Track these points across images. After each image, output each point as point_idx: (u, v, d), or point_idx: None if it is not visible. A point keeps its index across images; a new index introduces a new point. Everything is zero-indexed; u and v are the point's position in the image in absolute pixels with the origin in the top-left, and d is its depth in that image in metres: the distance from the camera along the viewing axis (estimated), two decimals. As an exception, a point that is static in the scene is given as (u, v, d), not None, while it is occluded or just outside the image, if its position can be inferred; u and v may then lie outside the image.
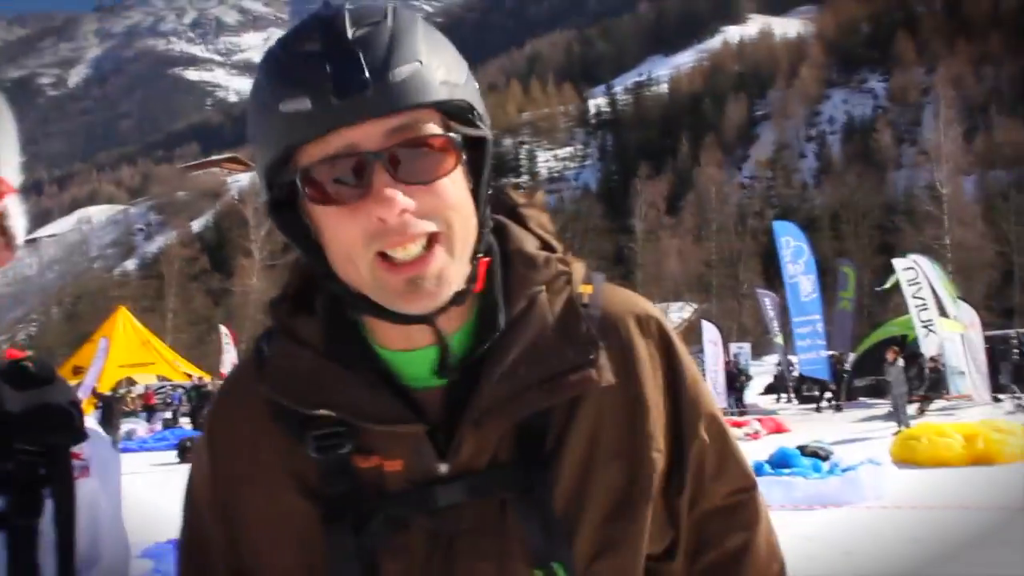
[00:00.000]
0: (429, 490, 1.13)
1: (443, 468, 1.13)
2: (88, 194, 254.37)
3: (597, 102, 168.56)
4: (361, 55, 1.02)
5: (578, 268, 1.24)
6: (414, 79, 1.03)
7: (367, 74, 1.01)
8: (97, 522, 1.30)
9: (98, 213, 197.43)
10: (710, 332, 28.70)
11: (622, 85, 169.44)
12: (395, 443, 1.13)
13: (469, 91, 1.11)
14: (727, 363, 29.44)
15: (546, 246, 1.23)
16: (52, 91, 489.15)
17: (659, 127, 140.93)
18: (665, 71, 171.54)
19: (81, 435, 1.27)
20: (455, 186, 1.08)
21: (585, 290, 1.23)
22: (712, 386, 26.46)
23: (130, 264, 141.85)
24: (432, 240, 1.06)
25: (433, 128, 1.06)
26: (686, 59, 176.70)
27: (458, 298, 1.11)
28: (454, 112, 1.09)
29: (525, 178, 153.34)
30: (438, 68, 1.06)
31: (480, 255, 1.15)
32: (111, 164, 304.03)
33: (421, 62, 1.04)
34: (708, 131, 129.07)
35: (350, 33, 1.04)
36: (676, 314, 69.86)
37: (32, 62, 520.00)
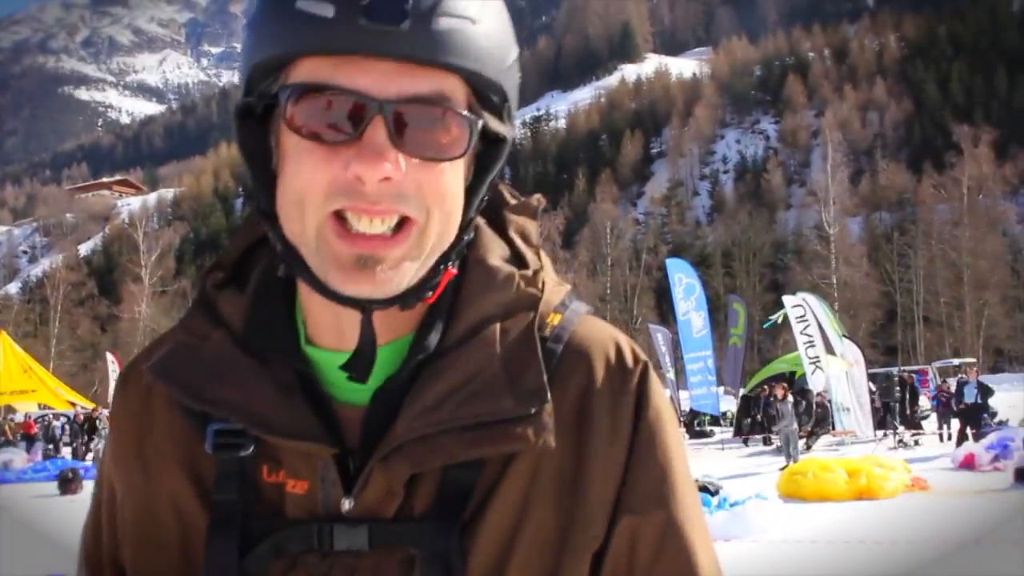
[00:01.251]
0: (327, 528, 0.97)
1: (347, 504, 0.97)
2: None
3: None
4: None
5: (553, 292, 1.05)
6: (458, 36, 0.89)
7: (409, 6, 0.87)
8: None
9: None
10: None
11: (520, 119, 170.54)
12: (302, 461, 0.98)
13: (510, 77, 0.97)
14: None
15: (519, 259, 1.06)
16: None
17: (556, 161, 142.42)
18: (563, 106, 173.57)
19: None
20: (453, 175, 0.94)
21: (553, 319, 1.03)
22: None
23: (12, 287, 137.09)
24: (403, 225, 0.91)
25: (457, 102, 0.92)
26: (584, 95, 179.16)
27: (405, 299, 0.95)
28: (484, 94, 0.95)
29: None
30: (487, 36, 0.92)
31: (450, 263, 0.99)
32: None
33: (472, 21, 0.91)
34: (604, 167, 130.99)
35: None
36: (571, 347, 70.51)
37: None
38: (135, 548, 1.05)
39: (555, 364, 1.00)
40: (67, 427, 38.93)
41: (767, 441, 26.16)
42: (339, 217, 0.90)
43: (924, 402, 30.02)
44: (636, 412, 1.01)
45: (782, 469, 17.23)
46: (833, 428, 24.48)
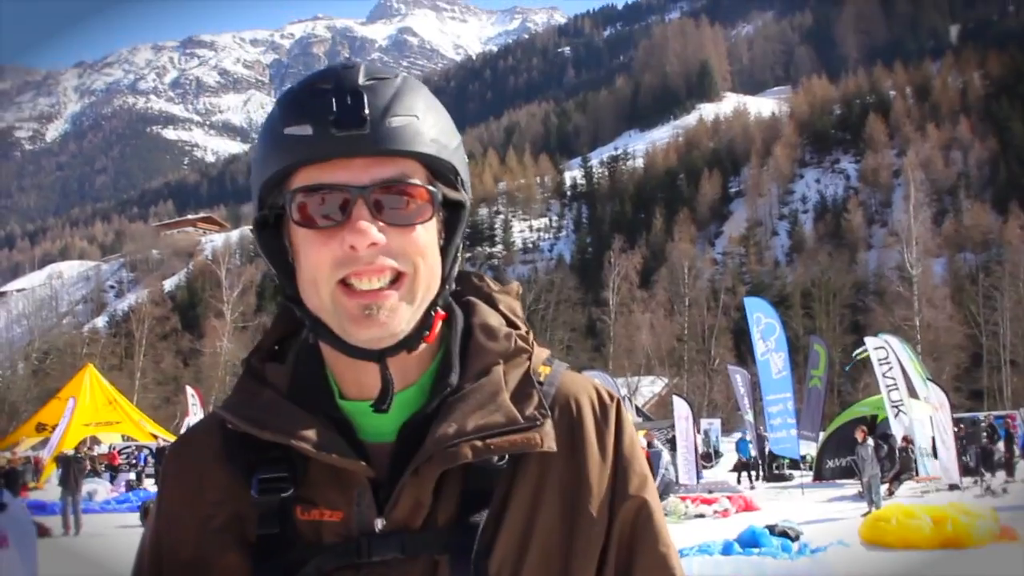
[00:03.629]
0: (364, 541, 1.14)
1: (380, 523, 1.15)
2: (60, 249, 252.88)
3: (573, 174, 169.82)
4: (366, 98, 1.12)
5: (540, 351, 1.30)
6: (408, 129, 1.13)
7: (367, 113, 1.11)
8: None
9: (69, 269, 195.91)
10: (681, 408, 28.72)
11: (598, 158, 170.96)
12: (337, 495, 1.17)
13: (457, 157, 1.21)
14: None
15: (511, 326, 1.30)
16: (29, 145, 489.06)
17: (633, 201, 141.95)
18: (641, 145, 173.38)
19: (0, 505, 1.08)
20: (427, 236, 1.17)
21: (543, 370, 1.28)
22: (682, 462, 26.64)
23: (100, 321, 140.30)
24: (396, 280, 1.14)
25: (419, 179, 1.15)
26: (662, 134, 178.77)
27: (409, 342, 1.17)
28: (439, 171, 1.19)
29: (500, 248, 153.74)
30: (432, 127, 1.17)
31: (438, 308, 1.22)
32: (85, 220, 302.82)
33: (418, 117, 1.15)
34: (682, 206, 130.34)
35: (361, 80, 1.14)
36: (647, 388, 70.02)
37: (10, 115, 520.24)
38: None
39: (550, 403, 1.24)
40: (149, 459, 39.59)
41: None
42: (345, 284, 1.12)
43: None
44: (617, 436, 1.27)
45: (864, 515, 16.87)
46: (917, 474, 23.92)
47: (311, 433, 1.16)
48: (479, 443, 1.15)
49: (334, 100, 1.12)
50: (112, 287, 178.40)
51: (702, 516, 19.92)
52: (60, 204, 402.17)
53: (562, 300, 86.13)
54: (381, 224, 1.12)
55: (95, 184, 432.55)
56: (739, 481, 30.38)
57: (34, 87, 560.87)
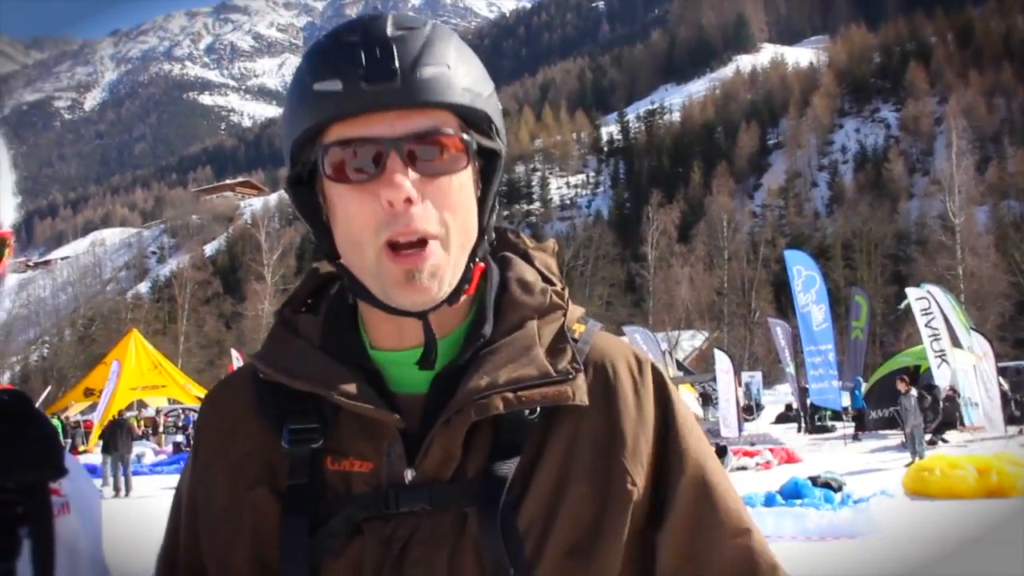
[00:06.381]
0: (392, 493, 1.14)
1: (409, 474, 1.14)
2: (102, 217, 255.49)
3: (609, 130, 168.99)
4: (395, 50, 1.10)
5: (575, 309, 1.29)
6: (439, 79, 1.11)
7: (397, 65, 1.09)
8: (77, 561, 1.25)
9: (111, 236, 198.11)
10: (722, 361, 28.68)
11: (634, 113, 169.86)
12: (367, 445, 1.17)
13: (490, 105, 1.19)
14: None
15: (547, 282, 1.29)
16: (68, 115, 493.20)
17: (671, 155, 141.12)
18: (677, 99, 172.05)
19: (60, 471, 1.22)
20: (462, 188, 1.16)
21: (578, 327, 1.26)
22: (724, 415, 26.65)
23: (143, 287, 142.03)
24: (427, 242, 1.12)
25: (451, 129, 1.13)
26: (698, 88, 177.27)
27: (452, 297, 1.17)
28: (472, 120, 1.17)
29: (537, 205, 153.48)
30: (464, 76, 1.15)
31: (477, 260, 1.21)
32: (125, 187, 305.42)
33: (448, 67, 1.13)
34: (720, 159, 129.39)
35: (389, 31, 1.12)
36: (687, 342, 69.81)
37: (48, 86, 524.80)
38: (216, 547, 1.22)
39: (584, 360, 1.21)
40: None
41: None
42: (391, 244, 1.11)
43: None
44: (658, 396, 1.24)
45: (908, 466, 16.80)
46: (962, 424, 23.73)
47: (343, 383, 1.17)
48: (510, 395, 1.15)
49: (363, 53, 1.11)
50: (154, 253, 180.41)
51: (744, 468, 19.92)
52: (100, 172, 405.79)
53: (600, 256, 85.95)
54: (415, 175, 1.11)
55: (134, 151, 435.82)
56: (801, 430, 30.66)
57: (71, 57, 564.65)
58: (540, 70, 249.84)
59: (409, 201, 1.10)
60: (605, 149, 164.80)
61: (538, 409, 1.17)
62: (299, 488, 1.17)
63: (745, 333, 72.86)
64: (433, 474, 1.15)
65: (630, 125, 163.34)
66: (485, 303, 1.24)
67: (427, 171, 1.12)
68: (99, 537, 1.31)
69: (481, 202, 1.21)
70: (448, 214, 1.14)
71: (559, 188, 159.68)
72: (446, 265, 1.14)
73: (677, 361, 52.49)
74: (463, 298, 1.20)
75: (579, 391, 1.17)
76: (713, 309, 76.46)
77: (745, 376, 40.34)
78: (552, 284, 1.29)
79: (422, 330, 1.17)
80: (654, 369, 1.27)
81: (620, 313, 71.41)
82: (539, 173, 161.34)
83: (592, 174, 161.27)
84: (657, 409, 1.24)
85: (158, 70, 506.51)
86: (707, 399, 37.53)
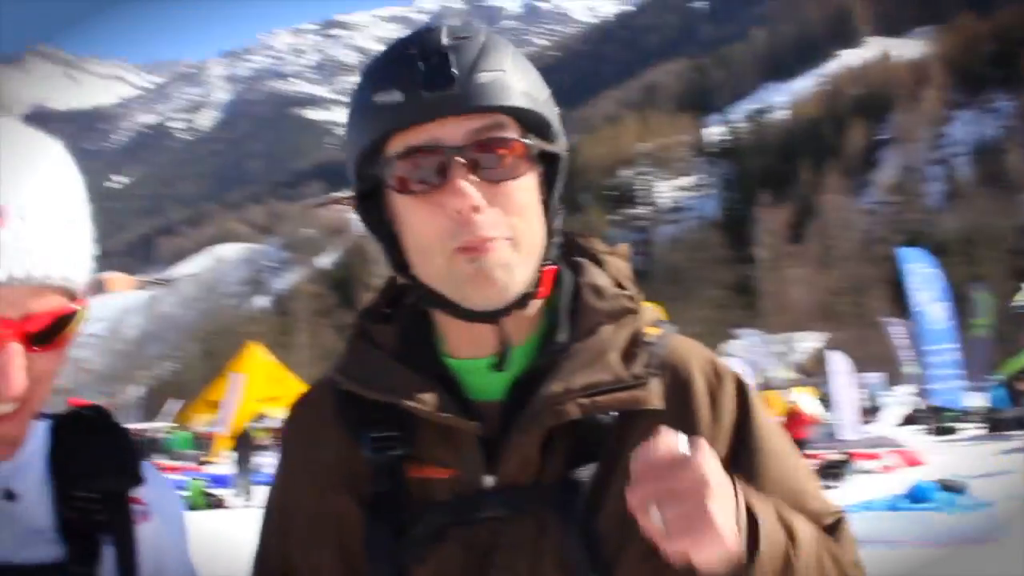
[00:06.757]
0: (472, 501, 1.17)
1: (489, 480, 1.18)
2: (220, 233, 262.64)
3: (715, 130, 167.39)
4: (452, 58, 1.13)
5: (649, 313, 1.31)
6: (497, 84, 1.14)
7: (454, 72, 1.12)
8: (161, 565, 1.32)
9: (229, 251, 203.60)
10: (838, 362, 28.42)
11: (739, 113, 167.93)
12: (447, 452, 1.20)
13: (548, 109, 1.22)
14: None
15: (619, 287, 1.31)
16: (184, 135, 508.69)
17: (779, 154, 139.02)
18: (782, 97, 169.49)
19: (138, 479, 1.29)
20: (526, 192, 1.19)
21: (652, 331, 1.27)
22: (841, 418, 26.44)
23: (261, 300, 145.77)
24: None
25: (512, 133, 1.17)
26: (803, 85, 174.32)
27: (523, 300, 1.20)
28: (532, 124, 1.19)
29: (644, 209, 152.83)
30: (520, 81, 1.17)
31: (547, 264, 1.24)
32: (240, 203, 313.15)
33: (505, 71, 1.15)
34: (829, 157, 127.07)
35: (444, 40, 1.15)
36: (803, 344, 68.84)
37: (164, 108, 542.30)
38: (304, 553, 1.28)
39: (659, 364, 1.23)
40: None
41: None
42: (461, 248, 1.14)
43: None
44: (736, 398, 1.27)
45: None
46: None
47: (421, 393, 1.19)
48: (586, 400, 1.16)
49: (421, 63, 1.13)
50: (270, 267, 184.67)
51: (866, 472, 19.79)
52: (216, 190, 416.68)
53: (710, 259, 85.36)
54: (479, 182, 1.13)
55: (248, 168, 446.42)
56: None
57: (185, 79, 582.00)
58: (642, 73, 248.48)
59: (476, 209, 1.12)
60: (711, 151, 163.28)
61: (615, 414, 1.19)
62: (383, 495, 1.19)
63: (862, 333, 71.58)
64: (512, 480, 1.17)
65: (735, 125, 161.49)
66: (559, 309, 1.26)
67: (490, 177, 1.14)
68: (183, 541, 1.39)
69: (546, 205, 1.23)
70: (515, 218, 1.16)
71: (666, 191, 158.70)
72: (516, 263, 1.16)
73: (795, 363, 51.92)
74: (536, 305, 1.24)
75: (654, 395, 1.19)
76: (827, 310, 75.26)
77: (863, 377, 39.81)
78: (625, 289, 1.30)
79: (496, 337, 1.20)
80: (737, 380, 1.29)
81: (732, 316, 70.84)
82: (645, 177, 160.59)
83: (699, 176, 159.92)
84: (737, 414, 1.25)
85: (267, 87, 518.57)
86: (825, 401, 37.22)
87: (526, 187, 1.19)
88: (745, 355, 35.37)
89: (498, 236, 1.14)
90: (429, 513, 1.18)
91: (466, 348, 1.25)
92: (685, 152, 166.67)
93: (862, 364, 59.34)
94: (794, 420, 19.71)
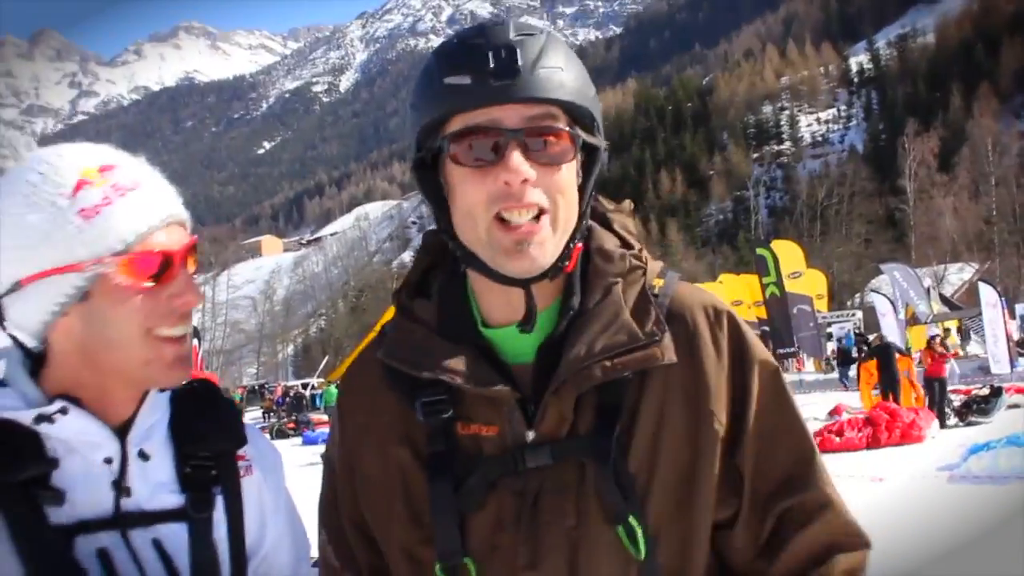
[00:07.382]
0: (518, 453, 1.33)
1: (531, 435, 1.34)
2: (364, 192, 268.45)
3: (859, 59, 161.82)
4: (518, 51, 1.27)
5: (653, 265, 1.47)
6: (554, 79, 1.29)
7: (520, 64, 1.26)
8: (264, 509, 1.60)
9: (374, 210, 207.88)
10: (989, 294, 27.56)
11: (884, 39, 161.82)
12: (491, 412, 1.36)
13: (594, 105, 1.37)
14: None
15: (625, 245, 1.47)
16: (326, 98, 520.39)
17: (926, 80, 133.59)
18: (930, 20, 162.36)
19: (242, 440, 1.57)
20: (568, 175, 1.33)
21: (657, 283, 1.45)
22: (992, 352, 25.67)
23: (407, 256, 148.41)
24: (540, 214, 1.30)
25: (562, 124, 1.32)
26: (952, 5, 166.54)
27: (553, 271, 1.35)
28: (579, 117, 1.34)
29: (787, 144, 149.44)
30: (574, 79, 1.32)
31: (577, 242, 1.39)
32: (383, 162, 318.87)
33: (562, 69, 1.30)
34: (981, 80, 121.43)
35: (512, 35, 1.29)
36: (955, 276, 66.60)
37: (306, 72, 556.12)
38: (374, 504, 1.45)
39: (666, 315, 1.41)
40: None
41: None
42: (499, 219, 1.30)
43: None
44: (732, 339, 1.43)
45: None
46: None
47: (462, 366, 1.34)
48: (607, 363, 1.32)
49: (490, 53, 1.26)
50: (414, 223, 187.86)
51: (1017, 407, 19.26)
52: (359, 149, 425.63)
53: (856, 192, 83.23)
54: (530, 163, 1.27)
55: (388, 126, 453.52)
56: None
57: (324, 43, 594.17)
58: (782, 5, 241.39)
59: (525, 181, 1.27)
60: (855, 80, 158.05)
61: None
62: (440, 454, 1.35)
63: (1018, 263, 68.79)
64: (551, 434, 1.34)
65: (880, 53, 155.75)
66: (572, 277, 1.41)
67: (540, 160, 1.29)
68: (281, 489, 1.66)
69: (581, 191, 1.38)
70: (557, 196, 1.31)
71: (809, 125, 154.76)
72: (551, 240, 1.32)
73: (942, 296, 50.46)
74: (562, 275, 1.39)
75: (667, 351, 1.35)
76: (981, 239, 72.43)
77: (1019, 308, 38.46)
78: (630, 246, 1.47)
79: (525, 303, 1.36)
80: (730, 316, 1.44)
81: (880, 250, 69.05)
82: (787, 112, 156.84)
83: (843, 108, 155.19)
84: (733, 353, 1.42)
85: (404, 46, 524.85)
86: (965, 334, 36.23)
87: (568, 172, 1.33)
88: (893, 290, 34.49)
89: (540, 204, 1.29)
90: (482, 466, 1.34)
91: (500, 313, 1.40)
92: (828, 84, 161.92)
93: (1017, 295, 57.34)
94: (932, 357, 19.23)
